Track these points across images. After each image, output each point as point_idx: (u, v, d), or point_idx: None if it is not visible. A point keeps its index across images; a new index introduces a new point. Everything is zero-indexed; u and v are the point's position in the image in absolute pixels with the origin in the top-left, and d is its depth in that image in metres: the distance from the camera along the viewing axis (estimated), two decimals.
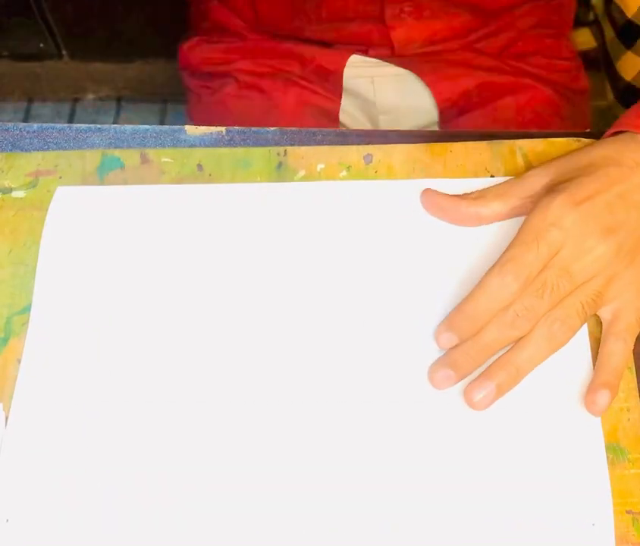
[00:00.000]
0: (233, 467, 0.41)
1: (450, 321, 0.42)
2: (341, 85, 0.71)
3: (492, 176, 0.49)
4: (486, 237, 0.46)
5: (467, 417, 0.41)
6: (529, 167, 0.49)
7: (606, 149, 0.45)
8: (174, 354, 0.44)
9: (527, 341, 0.41)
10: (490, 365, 0.41)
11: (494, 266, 0.41)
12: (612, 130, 0.47)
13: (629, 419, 0.41)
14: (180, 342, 0.44)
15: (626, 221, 0.42)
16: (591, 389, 0.41)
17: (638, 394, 0.42)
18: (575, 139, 0.50)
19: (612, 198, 0.42)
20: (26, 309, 0.46)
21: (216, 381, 0.43)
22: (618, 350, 0.42)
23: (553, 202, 0.42)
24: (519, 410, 0.41)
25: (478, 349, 0.41)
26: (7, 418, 0.42)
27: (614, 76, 0.74)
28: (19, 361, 0.44)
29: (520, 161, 0.49)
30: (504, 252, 0.41)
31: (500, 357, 0.41)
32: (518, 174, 0.48)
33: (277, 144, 0.51)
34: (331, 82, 0.71)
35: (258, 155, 0.50)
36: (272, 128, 0.50)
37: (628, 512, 0.39)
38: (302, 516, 0.39)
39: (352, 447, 0.41)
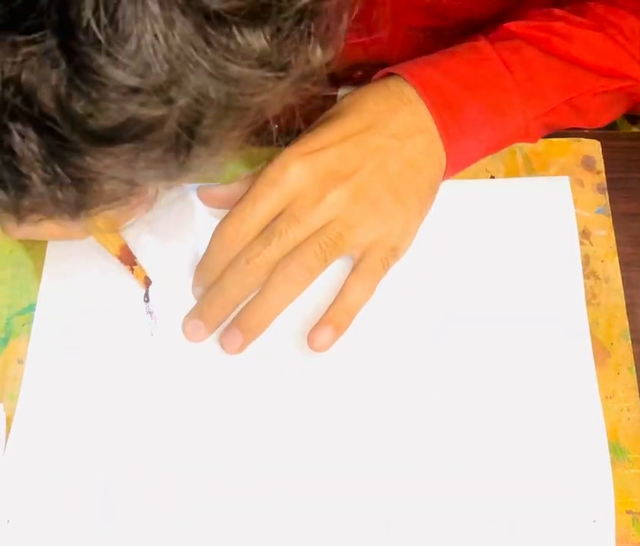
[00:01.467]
0: (235, 468, 0.41)
1: (195, 276, 0.45)
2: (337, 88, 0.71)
3: (492, 176, 0.49)
4: (487, 237, 0.46)
5: (471, 414, 0.41)
6: (529, 167, 0.49)
7: (354, 96, 0.46)
8: (176, 353, 0.44)
9: (266, 286, 0.42)
10: (240, 315, 0.43)
11: (216, 228, 0.43)
12: (384, 71, 0.47)
13: (628, 419, 0.41)
14: (183, 342, 0.44)
15: (361, 167, 0.43)
16: (318, 324, 0.42)
17: (638, 394, 0.42)
18: (575, 139, 0.50)
19: (345, 148, 0.43)
20: (27, 310, 0.46)
21: (216, 386, 0.43)
22: (354, 290, 0.43)
23: (277, 159, 0.43)
24: (522, 408, 0.41)
25: (220, 297, 0.43)
26: (7, 418, 0.42)
27: None
28: (19, 361, 0.44)
29: (520, 162, 0.49)
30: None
31: (244, 307, 0.43)
32: (518, 174, 0.49)
33: (277, 144, 0.51)
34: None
35: (258, 155, 0.49)
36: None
37: (628, 512, 0.39)
38: (303, 515, 0.39)
39: (354, 444, 0.41)
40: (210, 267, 0.44)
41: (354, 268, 0.43)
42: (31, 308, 0.46)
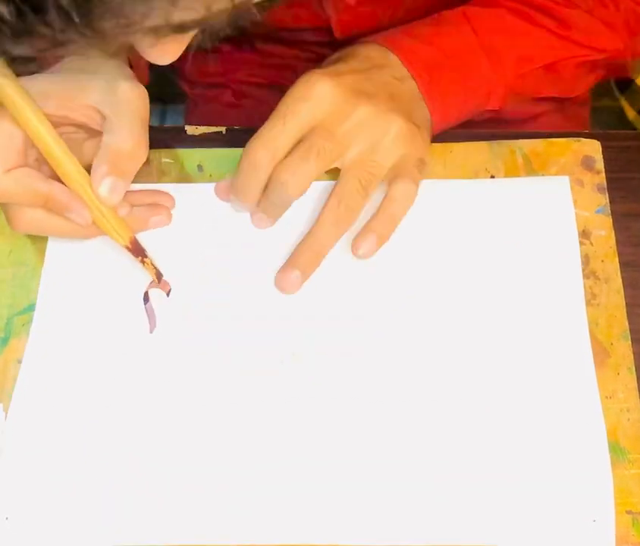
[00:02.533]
0: (234, 459, 0.41)
1: (232, 198, 0.46)
2: None
3: (492, 176, 0.49)
4: (487, 237, 0.46)
5: (470, 414, 0.41)
6: (529, 167, 0.49)
7: (346, 49, 0.48)
8: (175, 353, 0.44)
9: (319, 227, 0.44)
10: (292, 253, 0.45)
11: (245, 148, 0.44)
12: (364, 39, 0.49)
13: (628, 419, 0.41)
14: (181, 342, 0.44)
15: (377, 94, 0.45)
16: (361, 233, 0.44)
17: (638, 394, 0.42)
18: (575, 139, 0.50)
19: (360, 77, 0.45)
20: (27, 310, 0.46)
21: (216, 382, 0.43)
22: (398, 194, 0.44)
23: (301, 79, 0.44)
24: (522, 408, 0.41)
25: (264, 220, 0.46)
26: (6, 417, 0.42)
27: (635, 92, 0.74)
28: (19, 361, 0.44)
29: (520, 161, 0.49)
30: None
31: (299, 244, 0.45)
32: (518, 174, 0.49)
33: None
34: None
35: None
36: None
37: (628, 512, 0.39)
38: (303, 489, 0.39)
39: (355, 432, 0.41)
40: (241, 187, 0.45)
41: (392, 181, 0.45)
42: (31, 308, 0.46)
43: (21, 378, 0.43)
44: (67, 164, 0.41)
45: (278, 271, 0.45)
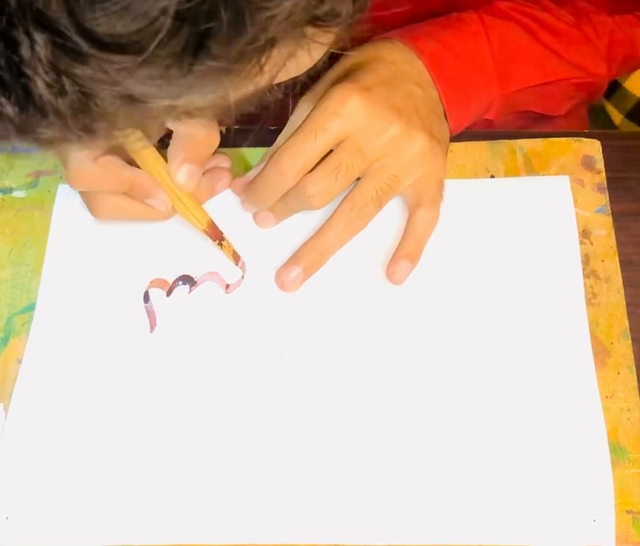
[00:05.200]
0: (234, 458, 0.41)
1: (246, 194, 0.47)
2: None
3: (492, 176, 0.49)
4: (487, 237, 0.46)
5: (471, 414, 0.41)
6: (529, 166, 0.49)
7: (367, 51, 0.47)
8: (175, 353, 0.44)
9: (329, 229, 0.44)
10: (296, 251, 0.45)
11: (272, 157, 0.44)
12: (383, 36, 0.49)
13: (628, 419, 0.41)
14: (181, 342, 0.44)
15: (406, 105, 0.44)
16: (394, 260, 0.45)
17: (638, 394, 0.42)
18: (575, 138, 0.50)
19: (388, 90, 0.44)
20: (27, 309, 0.46)
21: (217, 381, 0.43)
22: (422, 220, 0.45)
23: (333, 92, 0.43)
24: (522, 407, 0.41)
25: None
26: (6, 417, 0.42)
27: (622, 96, 0.74)
28: (19, 361, 0.44)
29: (520, 161, 0.49)
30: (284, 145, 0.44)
31: (305, 243, 0.45)
32: (518, 174, 0.49)
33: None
34: None
35: (259, 155, 0.49)
36: (273, 128, 0.50)
37: (628, 512, 0.39)
38: (304, 481, 0.39)
39: (357, 429, 0.41)
40: (263, 192, 0.45)
41: (415, 204, 0.45)
42: (31, 308, 0.46)
43: (21, 378, 0.43)
44: (145, 151, 0.42)
45: (280, 267, 0.45)
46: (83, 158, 0.41)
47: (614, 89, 0.75)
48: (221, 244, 0.45)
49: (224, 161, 0.48)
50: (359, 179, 0.45)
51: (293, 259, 0.45)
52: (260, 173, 0.45)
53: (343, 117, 0.43)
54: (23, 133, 0.25)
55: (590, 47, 0.51)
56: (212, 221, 0.45)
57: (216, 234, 0.45)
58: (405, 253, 0.45)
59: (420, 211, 0.45)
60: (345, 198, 0.44)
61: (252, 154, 0.50)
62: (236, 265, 0.46)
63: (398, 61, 0.47)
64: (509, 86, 0.49)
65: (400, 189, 0.45)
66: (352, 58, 0.47)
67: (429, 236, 0.46)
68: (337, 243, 0.45)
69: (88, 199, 0.45)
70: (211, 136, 0.43)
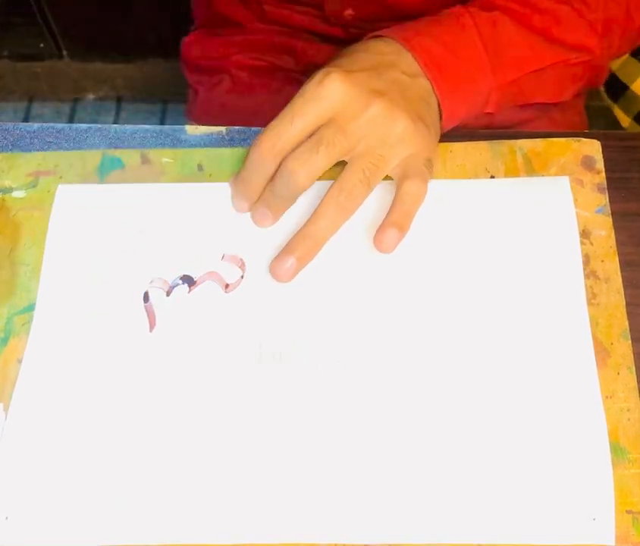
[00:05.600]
0: (234, 458, 0.41)
1: (232, 189, 0.47)
2: None
3: (492, 176, 0.49)
4: (487, 237, 0.46)
5: (472, 414, 0.41)
6: (529, 167, 0.49)
7: (357, 45, 0.49)
8: (175, 353, 0.44)
9: (319, 215, 0.44)
10: (289, 240, 0.44)
11: (252, 143, 0.44)
12: (373, 34, 0.50)
13: (629, 419, 0.41)
14: (181, 342, 0.44)
15: (389, 91, 0.45)
16: (381, 228, 0.44)
17: (638, 394, 0.42)
18: (575, 139, 0.50)
19: (372, 74, 0.45)
20: (27, 309, 0.46)
21: (216, 381, 0.43)
22: (410, 192, 0.45)
23: (313, 76, 0.44)
24: (523, 407, 0.41)
25: (265, 208, 0.46)
26: (6, 417, 0.42)
27: (630, 99, 0.74)
28: (19, 361, 0.44)
29: (520, 161, 0.49)
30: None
31: (297, 232, 0.44)
32: (518, 174, 0.49)
33: None
34: None
35: None
36: None
37: (628, 512, 0.39)
38: (304, 481, 0.39)
39: (358, 427, 0.41)
40: (246, 179, 0.45)
41: (403, 177, 0.45)
42: (31, 307, 0.46)
43: (21, 378, 0.43)
44: None
45: (273, 259, 0.45)
46: None
47: (622, 91, 0.75)
48: None
49: None
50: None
51: (287, 249, 0.44)
52: (243, 163, 0.45)
53: (322, 98, 0.43)
54: None
55: (583, 22, 0.51)
56: None
57: None
58: (392, 221, 0.44)
59: (407, 183, 0.45)
60: (333, 183, 0.44)
61: None
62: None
63: (385, 52, 0.47)
64: (504, 75, 0.49)
65: (387, 169, 0.45)
66: (338, 54, 0.48)
67: (417, 209, 0.45)
68: (329, 229, 0.44)
69: None
70: None
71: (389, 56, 0.47)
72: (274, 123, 0.44)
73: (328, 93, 0.43)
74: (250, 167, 0.45)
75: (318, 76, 0.44)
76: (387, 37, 0.49)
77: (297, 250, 0.44)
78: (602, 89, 0.79)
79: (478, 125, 0.53)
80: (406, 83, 0.46)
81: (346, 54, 0.48)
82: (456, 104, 0.49)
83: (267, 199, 0.46)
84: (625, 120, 0.77)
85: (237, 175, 0.46)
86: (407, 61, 0.47)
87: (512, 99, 0.52)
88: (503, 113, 0.52)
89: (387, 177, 0.46)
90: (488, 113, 0.51)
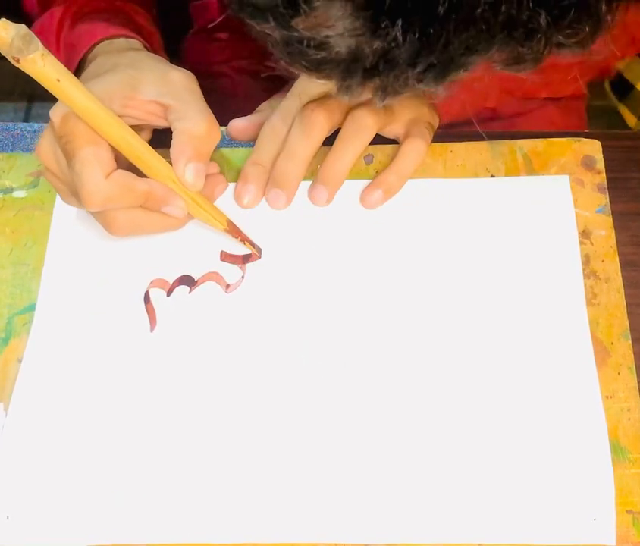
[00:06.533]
0: (234, 458, 0.41)
1: (246, 172, 0.48)
2: None
3: (492, 176, 0.49)
4: (487, 236, 0.46)
5: (472, 415, 0.41)
6: (529, 166, 0.49)
7: None
8: (175, 353, 0.44)
9: (339, 140, 0.46)
10: (319, 171, 0.47)
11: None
12: None
13: (629, 419, 0.41)
14: (181, 342, 0.44)
15: None
16: (370, 185, 0.47)
17: (638, 394, 0.42)
18: (575, 139, 0.50)
19: None
20: (27, 309, 0.46)
21: (216, 381, 0.43)
22: (412, 148, 0.47)
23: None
24: (523, 407, 0.41)
25: (290, 159, 0.46)
26: (7, 416, 0.42)
27: (636, 99, 0.74)
28: (19, 361, 0.44)
29: (520, 161, 0.49)
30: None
31: (324, 162, 0.47)
32: (518, 174, 0.49)
33: None
34: None
35: None
36: None
37: (628, 511, 0.39)
38: (306, 480, 0.39)
39: (358, 431, 0.41)
40: (262, 155, 0.47)
41: (406, 135, 0.47)
42: (31, 307, 0.46)
43: (21, 378, 0.43)
44: (153, 160, 0.42)
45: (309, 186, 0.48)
46: (95, 178, 0.40)
47: (628, 91, 0.75)
48: (243, 241, 0.46)
49: (213, 167, 0.48)
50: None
51: (319, 180, 0.47)
52: (256, 143, 0.47)
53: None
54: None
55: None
56: (230, 220, 0.46)
57: (236, 231, 0.46)
58: (383, 180, 0.47)
59: (409, 140, 0.47)
60: (352, 107, 0.46)
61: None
62: (259, 258, 0.46)
63: None
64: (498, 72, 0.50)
65: (393, 117, 0.47)
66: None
67: (412, 169, 0.47)
68: (354, 155, 0.46)
69: (104, 218, 0.44)
70: (213, 131, 0.43)
71: None
72: (284, 103, 0.46)
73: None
74: (263, 146, 0.47)
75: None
76: None
77: (326, 178, 0.47)
78: (607, 88, 0.79)
79: (483, 118, 0.53)
80: None
81: None
82: (450, 99, 0.49)
83: (276, 176, 0.47)
84: (631, 119, 0.77)
85: (251, 158, 0.47)
86: None
87: (513, 94, 0.52)
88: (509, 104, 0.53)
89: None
90: (488, 108, 0.51)
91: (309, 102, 0.45)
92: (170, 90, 0.43)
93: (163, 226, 0.45)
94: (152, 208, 0.43)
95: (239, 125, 0.48)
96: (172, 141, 0.43)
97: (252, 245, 0.46)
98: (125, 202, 0.42)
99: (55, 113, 0.41)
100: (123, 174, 0.41)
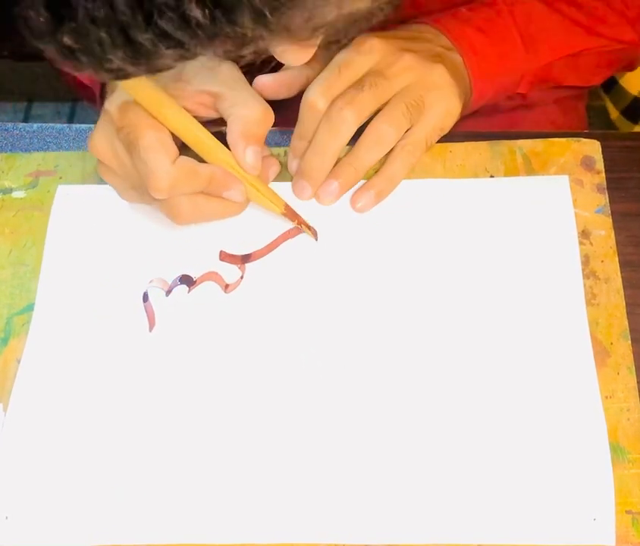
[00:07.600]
0: (233, 458, 0.41)
1: (291, 148, 0.48)
2: None
3: (492, 176, 0.49)
4: (486, 236, 0.46)
5: (472, 415, 0.41)
6: (529, 167, 0.49)
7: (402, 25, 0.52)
8: (174, 353, 0.44)
9: (359, 143, 0.47)
10: (334, 168, 0.47)
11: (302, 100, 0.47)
12: (420, 20, 0.52)
13: (628, 419, 0.41)
14: (180, 341, 0.44)
15: (422, 50, 0.48)
16: (360, 188, 0.47)
17: (638, 394, 0.42)
18: (575, 139, 0.50)
19: (406, 40, 0.49)
20: (26, 309, 0.46)
21: (215, 382, 0.43)
22: (399, 159, 0.47)
23: (356, 39, 0.47)
24: (523, 407, 0.41)
25: (318, 153, 0.46)
26: (6, 416, 0.42)
27: (619, 93, 0.75)
28: (19, 361, 0.44)
29: (520, 161, 0.49)
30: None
31: (341, 160, 0.47)
32: (518, 174, 0.49)
33: (277, 145, 0.51)
34: None
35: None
36: (273, 129, 0.50)
37: (628, 512, 0.39)
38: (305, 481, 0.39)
39: (357, 432, 0.41)
40: (303, 134, 0.47)
41: (400, 142, 0.47)
42: (30, 308, 0.46)
43: (20, 378, 0.43)
44: (213, 145, 0.43)
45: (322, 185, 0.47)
46: (162, 163, 0.41)
47: (612, 85, 0.76)
48: (300, 224, 0.46)
49: (265, 150, 0.48)
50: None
51: (332, 175, 0.47)
52: (298, 118, 0.47)
53: (363, 53, 0.46)
54: (210, 38, 0.26)
55: (616, 16, 0.53)
56: (288, 204, 0.46)
57: (294, 215, 0.46)
58: (374, 184, 0.47)
59: (399, 146, 0.47)
60: (375, 116, 0.46)
61: None
62: (316, 239, 0.47)
63: (421, 31, 0.50)
64: (538, 58, 0.51)
65: (427, 113, 0.47)
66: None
67: (403, 174, 0.48)
68: (371, 156, 0.47)
69: (169, 207, 0.44)
70: (268, 114, 0.44)
71: (424, 34, 0.50)
72: (322, 75, 0.46)
73: (367, 48, 0.46)
74: (304, 124, 0.46)
75: (358, 38, 0.46)
76: (425, 23, 0.51)
77: (341, 176, 0.47)
78: None
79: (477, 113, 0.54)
80: (440, 51, 0.49)
81: (387, 32, 0.50)
82: (488, 83, 0.50)
83: (303, 169, 0.47)
84: (614, 112, 0.78)
85: (294, 134, 0.48)
86: (442, 41, 0.49)
87: (545, 81, 0.53)
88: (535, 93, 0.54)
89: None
90: (519, 94, 0.53)
91: (337, 99, 0.45)
92: (218, 79, 0.43)
93: (224, 212, 0.46)
94: (214, 193, 0.44)
95: (265, 81, 0.48)
96: (228, 128, 0.43)
97: (309, 228, 0.46)
98: (190, 187, 0.43)
99: (112, 104, 0.42)
100: (187, 160, 0.42)
